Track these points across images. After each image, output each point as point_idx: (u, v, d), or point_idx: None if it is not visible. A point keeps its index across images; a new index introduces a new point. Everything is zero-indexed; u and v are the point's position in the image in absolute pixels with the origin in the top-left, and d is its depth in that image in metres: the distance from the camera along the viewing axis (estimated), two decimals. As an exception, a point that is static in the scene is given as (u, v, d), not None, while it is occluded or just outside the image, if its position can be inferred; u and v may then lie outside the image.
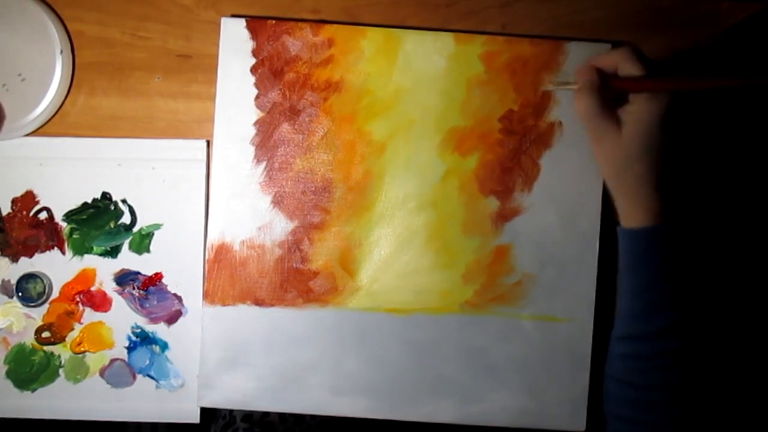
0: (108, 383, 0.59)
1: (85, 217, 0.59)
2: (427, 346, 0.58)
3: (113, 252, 0.59)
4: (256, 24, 0.58)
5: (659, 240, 0.51)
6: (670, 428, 0.49)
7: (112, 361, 0.59)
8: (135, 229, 0.59)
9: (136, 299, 0.59)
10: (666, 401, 0.49)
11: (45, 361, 0.59)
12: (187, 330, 0.59)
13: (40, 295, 0.59)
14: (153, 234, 0.59)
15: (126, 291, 0.59)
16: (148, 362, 0.59)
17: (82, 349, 0.59)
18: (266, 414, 0.65)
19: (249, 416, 0.65)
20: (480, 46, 0.58)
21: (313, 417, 0.65)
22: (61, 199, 0.59)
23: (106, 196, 0.59)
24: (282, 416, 0.65)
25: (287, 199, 0.58)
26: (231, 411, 0.66)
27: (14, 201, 0.59)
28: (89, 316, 0.59)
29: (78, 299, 0.59)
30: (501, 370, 0.58)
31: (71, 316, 0.59)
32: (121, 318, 0.59)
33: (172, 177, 0.59)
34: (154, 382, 0.59)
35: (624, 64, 0.50)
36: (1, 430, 0.65)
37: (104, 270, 0.59)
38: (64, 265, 0.59)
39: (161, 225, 0.59)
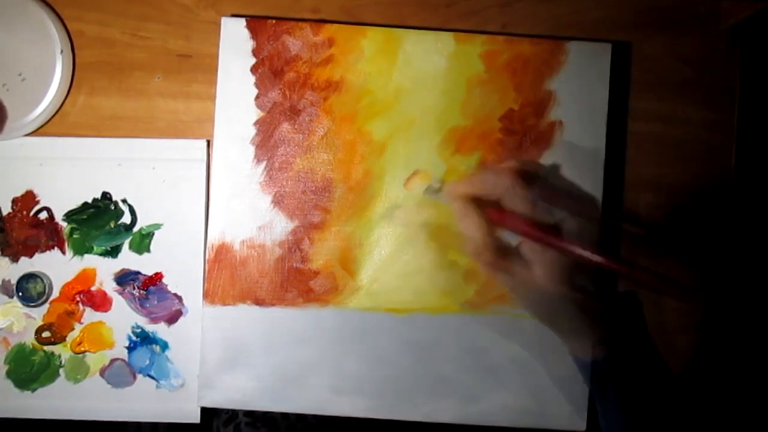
0: (108, 383, 0.59)
1: (85, 216, 0.59)
2: (427, 345, 0.58)
3: (113, 252, 0.59)
4: (256, 24, 0.58)
5: (609, 371, 0.48)
6: None
7: (113, 361, 0.59)
8: (135, 229, 0.59)
9: (137, 299, 0.59)
10: None
11: (45, 361, 0.59)
12: (188, 330, 0.59)
13: (41, 294, 0.59)
14: (153, 234, 0.59)
15: (126, 291, 0.59)
16: (148, 362, 0.59)
17: (83, 349, 0.59)
18: (267, 410, 0.65)
19: (251, 410, 0.65)
20: (480, 45, 0.58)
21: (314, 414, 0.64)
22: (61, 199, 0.59)
23: (106, 196, 0.59)
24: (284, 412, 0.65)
25: (287, 198, 0.58)
26: (232, 408, 0.66)
27: (14, 201, 0.59)
28: (89, 316, 0.59)
29: (78, 299, 0.59)
30: (501, 370, 0.58)
31: (71, 316, 0.59)
32: (122, 318, 0.59)
33: (172, 177, 0.59)
34: (154, 382, 0.59)
35: (507, 191, 0.42)
36: (1, 430, 0.65)
37: (104, 270, 0.59)
38: (64, 265, 0.59)
39: (161, 225, 0.59)
